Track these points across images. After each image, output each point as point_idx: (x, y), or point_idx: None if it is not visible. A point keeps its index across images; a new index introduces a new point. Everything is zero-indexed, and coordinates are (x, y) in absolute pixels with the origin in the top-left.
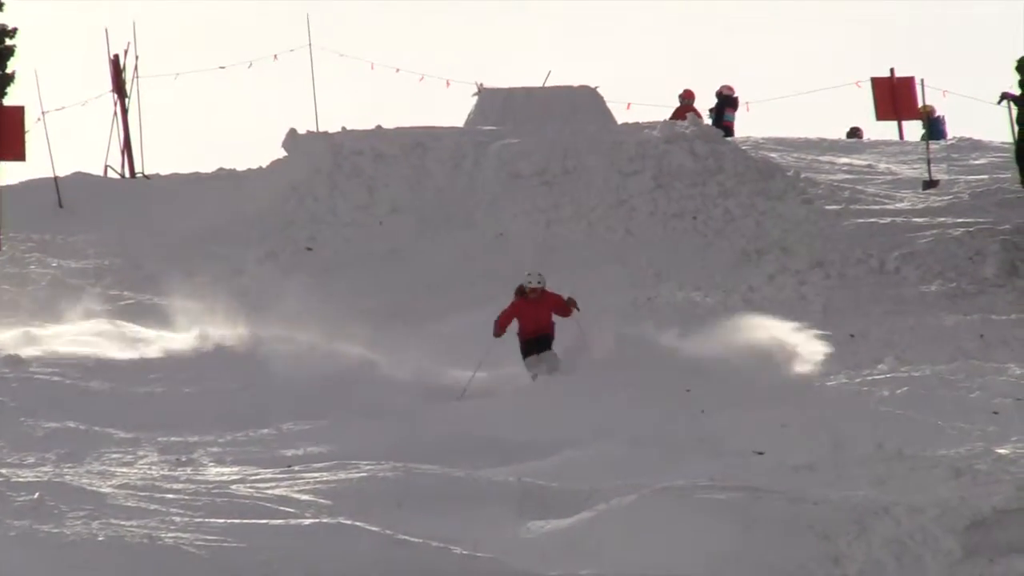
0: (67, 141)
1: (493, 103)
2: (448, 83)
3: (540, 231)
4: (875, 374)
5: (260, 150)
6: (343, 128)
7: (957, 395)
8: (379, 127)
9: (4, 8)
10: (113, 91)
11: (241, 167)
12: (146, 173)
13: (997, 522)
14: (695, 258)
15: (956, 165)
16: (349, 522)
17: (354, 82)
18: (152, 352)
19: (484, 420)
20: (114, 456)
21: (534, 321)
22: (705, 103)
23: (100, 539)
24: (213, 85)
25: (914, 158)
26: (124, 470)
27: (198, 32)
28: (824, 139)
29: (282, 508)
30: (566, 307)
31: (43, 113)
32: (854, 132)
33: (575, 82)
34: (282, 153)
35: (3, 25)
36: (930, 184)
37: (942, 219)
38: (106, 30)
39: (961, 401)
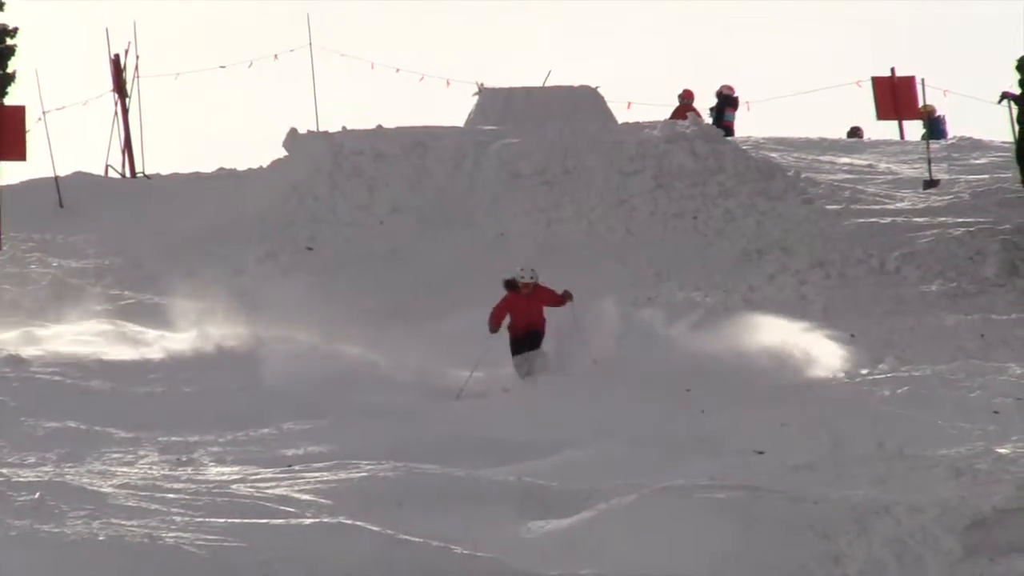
0: (68, 141)
1: (493, 103)
2: (448, 83)
3: (540, 231)
4: (875, 373)
5: (260, 150)
6: (343, 128)
7: (957, 395)
8: (379, 127)
9: (5, 8)
10: (114, 91)
11: (241, 167)
12: (147, 173)
13: (997, 522)
14: (695, 258)
15: (957, 165)
16: (349, 522)
17: (354, 82)
18: (153, 352)
19: (484, 420)
20: (115, 456)
21: (526, 316)
22: (705, 103)
23: (101, 539)
24: (214, 85)
25: (915, 158)
26: (125, 470)
27: (198, 32)
28: (824, 139)
29: (283, 508)
30: (559, 299)
31: (44, 113)
32: (854, 132)
33: (575, 82)
34: (282, 153)
35: (4, 25)
36: (931, 184)
37: (943, 219)
38: (107, 30)
39: (961, 401)
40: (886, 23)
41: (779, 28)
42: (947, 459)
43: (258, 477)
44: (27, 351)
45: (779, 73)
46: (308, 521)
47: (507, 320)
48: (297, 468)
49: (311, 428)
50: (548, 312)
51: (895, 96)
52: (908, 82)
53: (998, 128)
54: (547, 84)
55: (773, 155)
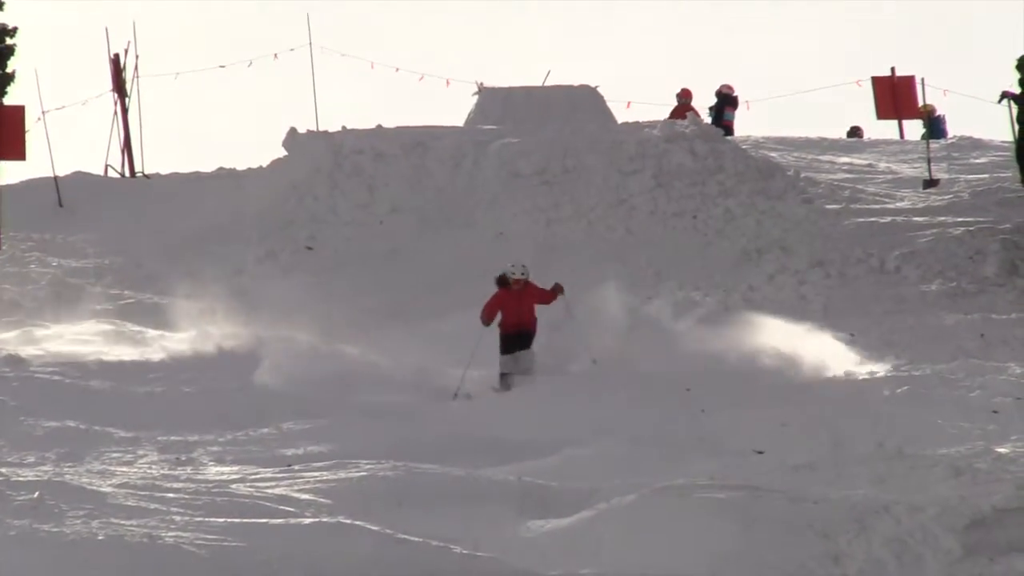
0: (67, 140)
1: (493, 102)
2: (448, 82)
3: (540, 230)
4: (875, 373)
5: (260, 149)
6: (343, 127)
7: (957, 394)
8: (379, 126)
9: (4, 7)
10: (113, 90)
11: (241, 166)
12: (146, 172)
13: (997, 521)
14: (695, 257)
15: (956, 164)
16: (349, 521)
17: (354, 81)
18: (152, 351)
19: (484, 419)
20: (114, 455)
21: (516, 313)
22: (704, 102)
23: (100, 538)
24: (213, 84)
25: (914, 157)
26: (124, 469)
27: (198, 31)
28: (824, 138)
29: (282, 507)
30: (549, 295)
31: (43, 112)
32: (854, 131)
33: (575, 81)
34: (282, 152)
35: (3, 24)
36: (930, 183)
37: (942, 218)
38: (106, 29)
39: (961, 400)
40: (886, 23)
41: (779, 27)
42: (947, 458)
43: (258, 477)
44: (26, 350)
45: (779, 72)
46: (308, 521)
47: (498, 318)
48: (297, 468)
49: (311, 428)
50: (542, 309)
51: (895, 95)
52: (908, 81)
53: (998, 127)
54: (546, 84)
55: (773, 154)
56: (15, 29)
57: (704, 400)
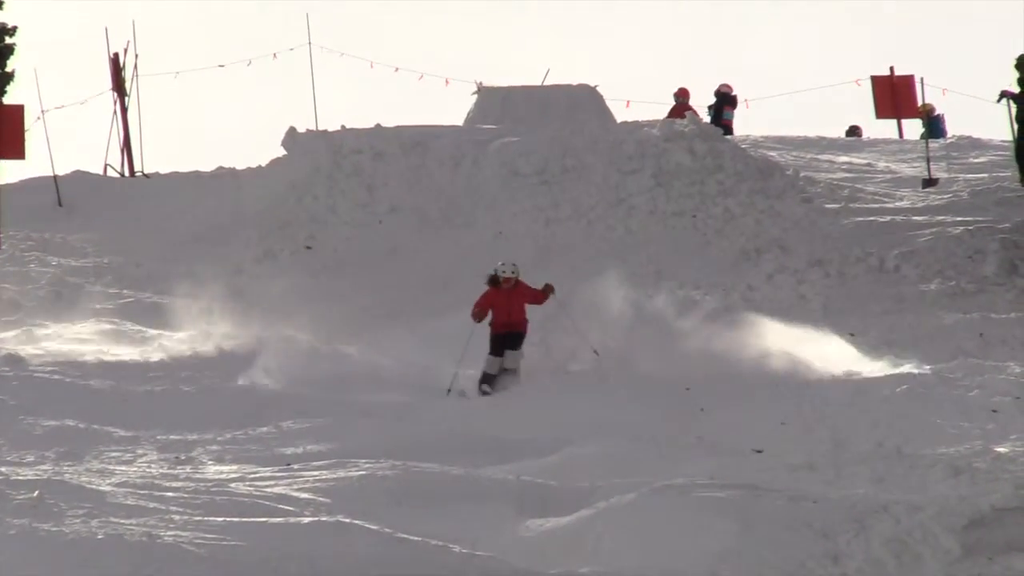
0: (67, 140)
1: (492, 102)
2: (447, 82)
3: (539, 230)
4: (874, 372)
5: (259, 149)
6: (342, 127)
7: (956, 393)
8: (378, 126)
9: (4, 6)
10: (113, 90)
11: (240, 166)
12: (146, 172)
13: (996, 520)
14: (694, 257)
15: (956, 163)
16: (348, 520)
17: (354, 81)
18: (151, 350)
19: (483, 418)
20: (113, 454)
21: (507, 313)
22: (702, 101)
23: (99, 537)
24: (213, 84)
25: (914, 156)
26: (123, 468)
27: (198, 31)
28: (823, 137)
29: (281, 506)
30: (539, 296)
31: (43, 112)
32: (853, 130)
33: (574, 81)
34: (281, 152)
35: (3, 23)
36: (930, 182)
37: (941, 217)
38: (106, 29)
39: (960, 399)
40: (885, 22)
41: (777, 26)
42: (946, 458)
43: (257, 476)
44: (26, 350)
45: (778, 71)
46: (307, 520)
47: (489, 317)
48: (296, 467)
49: (310, 427)
50: (535, 310)
51: (894, 95)
52: (907, 81)
53: (997, 127)
54: (546, 83)
55: (772, 154)
56: (15, 28)
57: (703, 399)
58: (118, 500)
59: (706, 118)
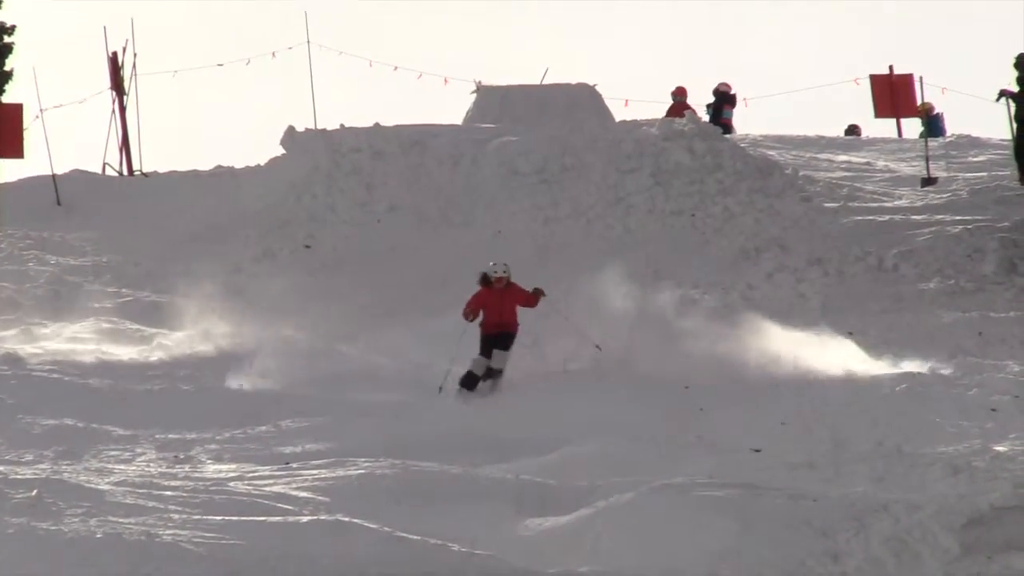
0: (65, 139)
1: (491, 101)
2: (446, 81)
3: (538, 228)
4: (873, 371)
5: (258, 148)
6: (341, 126)
7: (955, 392)
8: (377, 125)
9: (3, 5)
10: (111, 89)
11: (239, 165)
12: (144, 171)
13: (995, 519)
14: (693, 256)
15: (955, 162)
16: (347, 519)
17: (352, 80)
18: (150, 350)
19: (482, 417)
20: (112, 453)
21: (498, 313)
22: (700, 100)
23: (98, 536)
24: (211, 83)
25: (913, 155)
26: (122, 467)
27: (196, 30)
28: (823, 136)
29: (280, 505)
30: (531, 298)
31: (41, 111)
32: (852, 129)
33: (573, 80)
34: (280, 151)
35: (2, 22)
36: (929, 181)
37: (940, 216)
38: (104, 28)
39: (959, 399)
40: (884, 21)
41: (776, 25)
42: (945, 457)
43: (256, 475)
44: (25, 348)
45: (777, 70)
46: (306, 518)
47: (480, 318)
48: (295, 466)
49: (309, 426)
50: (532, 311)
51: (893, 94)
52: (906, 80)
53: (996, 126)
54: (544, 82)
55: (771, 153)
56: (13, 27)
57: (702, 398)
58: (117, 499)
59: (705, 117)
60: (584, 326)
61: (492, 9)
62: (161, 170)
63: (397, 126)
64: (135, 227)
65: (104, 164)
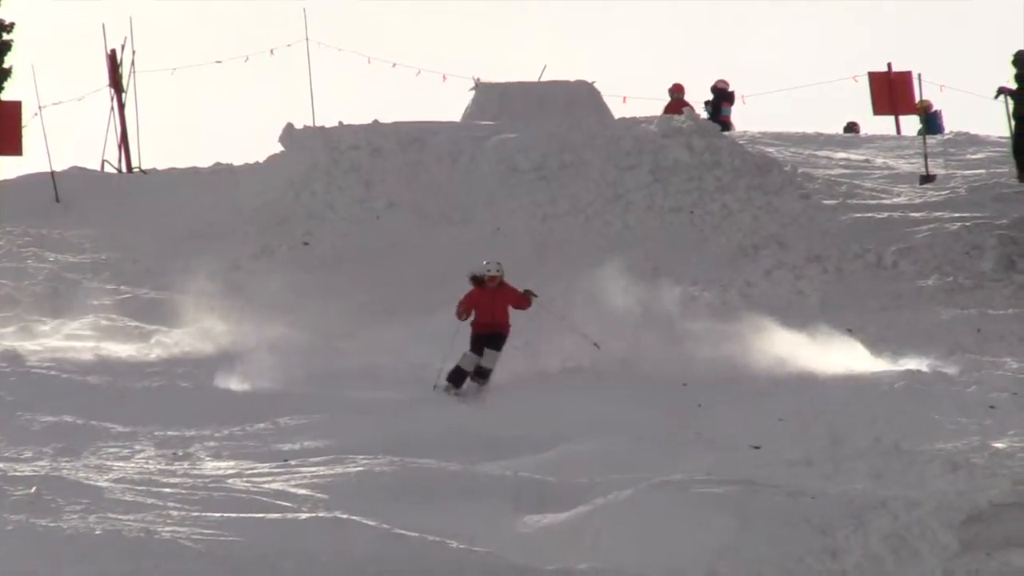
0: (64, 136)
1: (490, 98)
2: (445, 78)
3: (537, 226)
4: (872, 368)
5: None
6: (340, 123)
7: (954, 389)
8: (376, 122)
9: (2, 3)
10: (110, 86)
11: (238, 162)
12: (143, 168)
13: (994, 516)
14: (692, 253)
15: (953, 160)
16: (346, 516)
17: (351, 77)
18: (149, 347)
19: (480, 414)
20: (111, 450)
21: (490, 313)
22: (697, 97)
23: (97, 533)
24: (210, 80)
25: (911, 153)
26: (121, 464)
27: (195, 27)
28: (821, 134)
29: (279, 502)
30: (523, 300)
31: (40, 108)
32: (851, 127)
33: (571, 77)
34: (279, 148)
35: (1, 20)
36: (927, 179)
37: (939, 214)
38: (103, 25)
39: (958, 395)
40: (883, 18)
41: (775, 23)
42: (944, 454)
43: (254, 472)
44: (23, 346)
45: (775, 68)
46: (304, 516)
47: (472, 317)
48: (293, 463)
49: (307, 423)
50: (524, 313)
51: (892, 91)
52: (905, 77)
53: (994, 123)
54: (543, 79)
55: (770, 150)
56: (12, 24)
57: (701, 395)
58: (116, 496)
59: (704, 114)
60: (582, 324)
61: (491, 6)
62: (160, 167)
63: (396, 123)
64: (134, 224)
65: (103, 161)
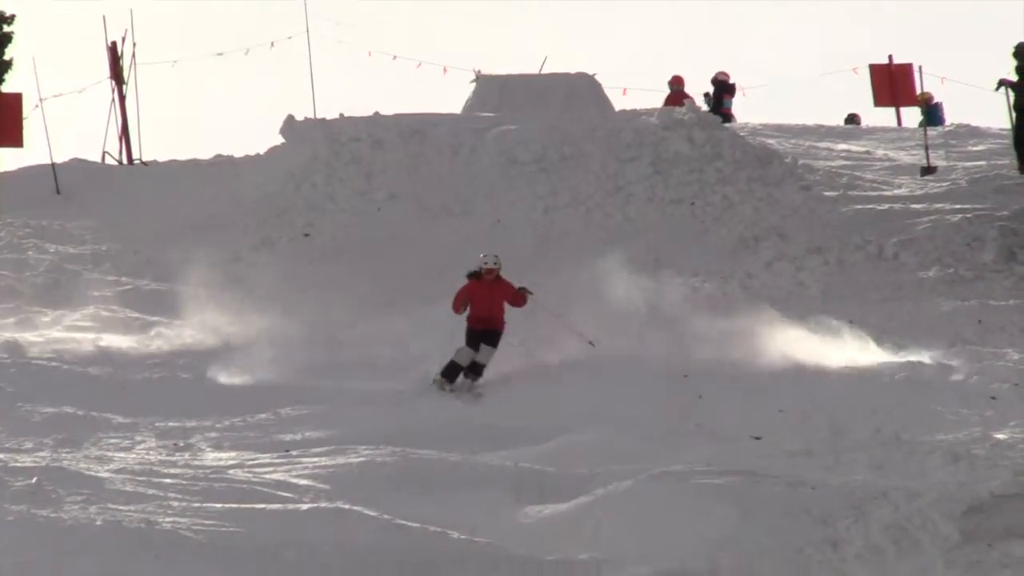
0: (65, 128)
1: (490, 90)
2: (445, 70)
3: (538, 218)
4: (873, 360)
5: (258, 137)
6: (341, 115)
7: (955, 380)
8: (377, 114)
9: None
10: (111, 78)
11: (239, 154)
12: (144, 160)
13: (995, 507)
14: (693, 244)
15: (954, 151)
16: (347, 507)
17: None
18: (150, 338)
19: (481, 405)
20: (112, 441)
21: (487, 307)
22: (697, 88)
23: (98, 524)
24: (211, 72)
25: (912, 144)
26: (122, 455)
27: (196, 19)
28: (822, 125)
29: (280, 493)
30: (518, 297)
31: (41, 100)
32: (852, 118)
33: (572, 69)
34: (280, 140)
35: (1, 11)
36: (928, 170)
37: (940, 205)
38: (104, 17)
39: (959, 386)
40: (883, 10)
41: (776, 15)
42: (945, 445)
43: (255, 462)
44: (24, 337)
45: (776, 60)
46: (306, 506)
47: (467, 312)
48: (295, 453)
49: (308, 413)
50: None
51: (892, 83)
52: (905, 69)
53: (995, 115)
54: (543, 71)
55: (770, 141)
56: (13, 16)
57: (702, 386)
58: (116, 487)
59: (704, 107)
60: (580, 320)
61: None
62: (161, 159)
63: (396, 115)
64: (135, 216)
65: (104, 153)
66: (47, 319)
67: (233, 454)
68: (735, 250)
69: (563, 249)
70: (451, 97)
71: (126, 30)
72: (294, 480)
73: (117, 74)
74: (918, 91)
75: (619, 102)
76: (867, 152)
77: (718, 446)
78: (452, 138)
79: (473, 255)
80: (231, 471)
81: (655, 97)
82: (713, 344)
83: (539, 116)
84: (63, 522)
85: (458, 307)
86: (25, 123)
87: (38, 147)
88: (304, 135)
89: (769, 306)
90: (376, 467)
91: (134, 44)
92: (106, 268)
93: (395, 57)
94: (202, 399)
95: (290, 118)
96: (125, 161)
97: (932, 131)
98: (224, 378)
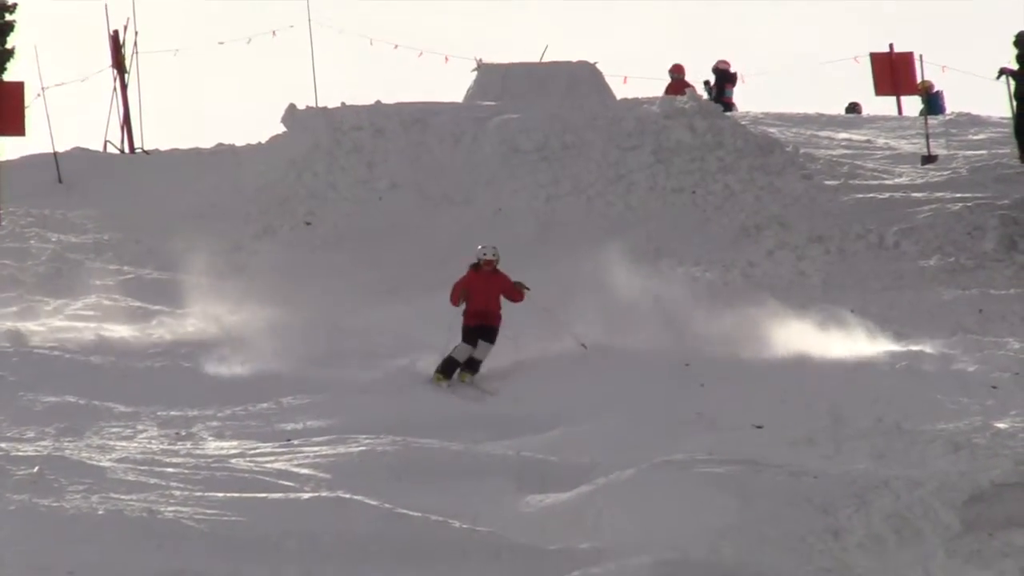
0: (67, 117)
1: (492, 78)
2: (447, 59)
3: (539, 206)
4: (874, 349)
5: (259, 126)
6: (342, 104)
7: (956, 369)
8: (378, 102)
9: None
10: (113, 67)
11: (240, 143)
12: (145, 148)
13: (996, 496)
14: (694, 233)
15: (955, 140)
16: (348, 496)
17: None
18: (152, 327)
19: (482, 395)
20: (114, 430)
21: (484, 300)
22: (698, 77)
23: (100, 513)
24: (212, 61)
25: (913, 133)
26: (124, 444)
27: (197, 8)
28: (823, 114)
29: (281, 482)
30: (515, 291)
31: (43, 89)
32: (853, 107)
33: (573, 57)
34: (281, 129)
35: (3, 0)
36: (929, 159)
37: (941, 194)
38: (106, 6)
39: (960, 375)
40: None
41: (777, 3)
42: (945, 434)
43: (257, 451)
44: (26, 326)
45: (777, 48)
46: (307, 495)
47: (463, 306)
48: (296, 442)
49: (310, 403)
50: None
51: (893, 72)
52: (906, 58)
53: (996, 104)
54: (544, 59)
55: (772, 130)
56: (15, 5)
57: (703, 375)
58: (118, 476)
59: (706, 95)
60: (581, 309)
61: None
62: (162, 148)
63: (398, 104)
64: (136, 205)
65: (105, 142)
66: (49, 308)
67: (235, 443)
68: (736, 239)
69: (564, 238)
70: (453, 86)
71: (128, 19)
72: (295, 469)
73: (119, 63)
74: (919, 80)
75: (620, 91)
76: (868, 141)
77: (719, 435)
78: (454, 127)
79: (474, 244)
80: (233, 460)
81: (656, 86)
82: (714, 333)
83: (540, 105)
84: (65, 511)
85: (455, 299)
86: (27, 112)
87: (40, 136)
88: (306, 124)
89: (770, 295)
90: (377, 456)
91: (136, 33)
92: (108, 257)
93: (396, 46)
94: (204, 388)
95: (292, 107)
96: (127, 150)
97: (933, 120)
98: (226, 367)
